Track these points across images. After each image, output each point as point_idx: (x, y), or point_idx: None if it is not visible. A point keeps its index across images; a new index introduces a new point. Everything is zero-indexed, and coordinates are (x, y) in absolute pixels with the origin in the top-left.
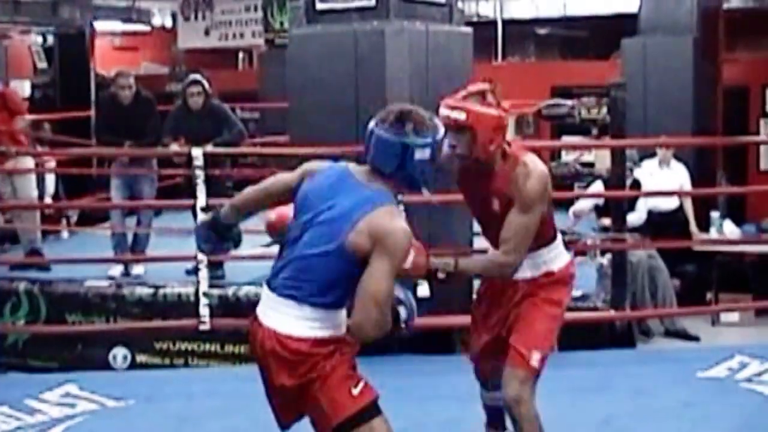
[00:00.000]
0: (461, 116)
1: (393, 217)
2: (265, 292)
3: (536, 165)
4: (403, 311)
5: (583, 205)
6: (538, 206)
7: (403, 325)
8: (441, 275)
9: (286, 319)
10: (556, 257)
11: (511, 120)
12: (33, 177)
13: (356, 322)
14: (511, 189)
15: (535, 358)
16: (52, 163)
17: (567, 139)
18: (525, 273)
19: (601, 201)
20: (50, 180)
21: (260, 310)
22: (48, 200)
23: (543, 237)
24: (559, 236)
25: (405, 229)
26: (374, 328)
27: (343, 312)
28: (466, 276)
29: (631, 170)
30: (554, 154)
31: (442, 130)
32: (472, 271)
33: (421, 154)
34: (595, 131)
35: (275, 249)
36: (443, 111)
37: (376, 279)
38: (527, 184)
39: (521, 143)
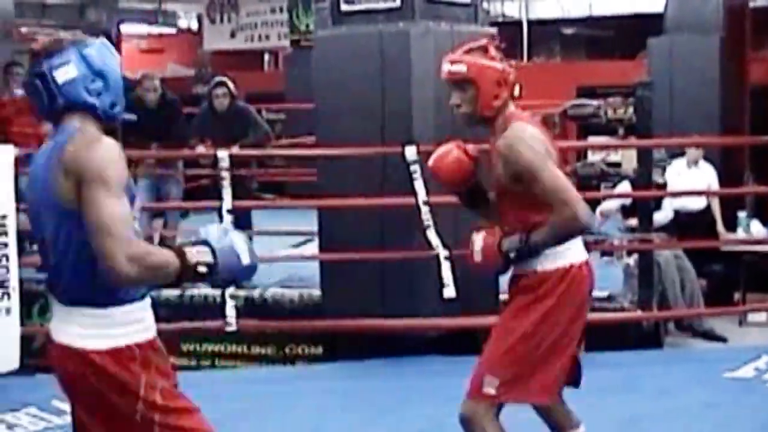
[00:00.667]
0: (462, 69)
1: (86, 142)
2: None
3: (520, 131)
4: (203, 254)
5: (610, 205)
6: (542, 165)
7: (204, 269)
8: (512, 254)
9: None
10: (550, 254)
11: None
12: None
13: (103, 266)
14: (500, 161)
15: (488, 385)
16: None
17: (593, 140)
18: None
19: (627, 201)
20: None
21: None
22: None
23: (528, 222)
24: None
25: (105, 145)
26: (126, 259)
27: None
28: (540, 248)
29: (664, 169)
30: (580, 155)
31: (93, 41)
32: (544, 240)
33: (64, 75)
34: (621, 131)
35: (303, 249)
36: (444, 67)
37: (95, 209)
38: (511, 154)
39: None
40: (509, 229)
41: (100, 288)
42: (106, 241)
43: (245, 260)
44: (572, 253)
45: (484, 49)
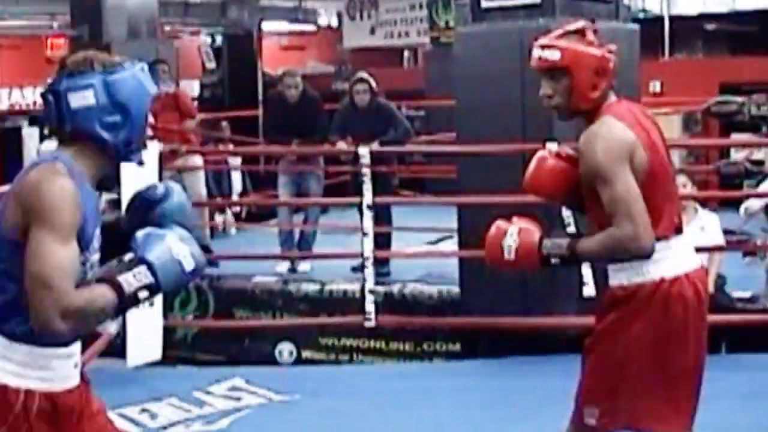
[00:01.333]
0: (555, 56)
1: (46, 173)
2: None
3: (601, 127)
4: (140, 276)
5: (754, 204)
6: (614, 170)
7: (145, 294)
8: (555, 260)
9: None
10: (637, 265)
11: (678, 118)
12: (202, 174)
13: (33, 317)
14: (581, 157)
15: (588, 416)
16: (237, 161)
17: (736, 137)
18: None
19: None
20: (237, 177)
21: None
22: (235, 197)
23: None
24: (670, 242)
25: (61, 185)
26: (59, 316)
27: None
28: (587, 260)
29: None
30: (723, 152)
31: (127, 67)
32: (592, 253)
33: (79, 100)
34: (765, 129)
35: (440, 246)
36: (534, 52)
37: (36, 254)
38: (586, 151)
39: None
40: (592, 231)
41: (9, 320)
42: (41, 293)
43: (188, 266)
44: (666, 264)
45: (581, 34)
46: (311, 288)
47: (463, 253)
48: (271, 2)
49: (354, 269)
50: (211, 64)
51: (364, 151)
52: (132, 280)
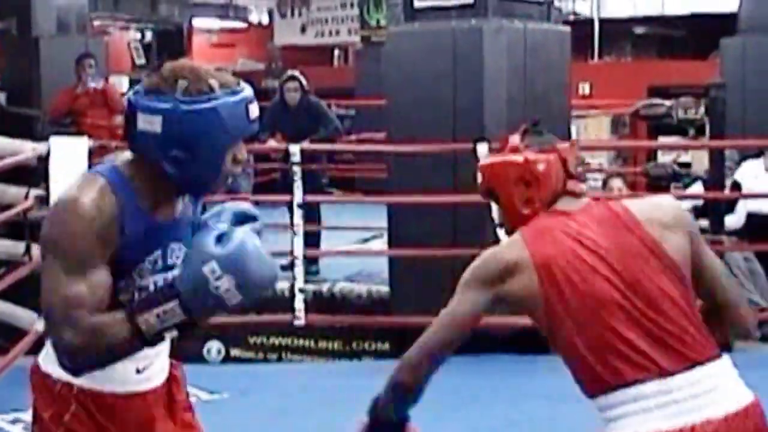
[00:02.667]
0: (479, 179)
1: (75, 188)
2: None
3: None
4: (167, 315)
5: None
6: (461, 289)
7: (173, 333)
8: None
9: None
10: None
11: (607, 120)
12: None
13: (53, 342)
14: None
15: None
16: None
17: (664, 140)
18: None
19: (699, 202)
20: None
21: None
22: None
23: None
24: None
25: (81, 210)
26: (68, 354)
27: None
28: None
29: (731, 171)
30: (651, 155)
31: (219, 96)
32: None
33: (146, 124)
34: (692, 132)
35: (371, 245)
36: None
37: (44, 287)
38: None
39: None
40: None
41: None
42: (48, 321)
43: (230, 301)
44: (633, 419)
45: (506, 141)
46: None
47: (392, 252)
48: None
49: (283, 268)
50: (141, 60)
51: (294, 149)
52: (155, 320)
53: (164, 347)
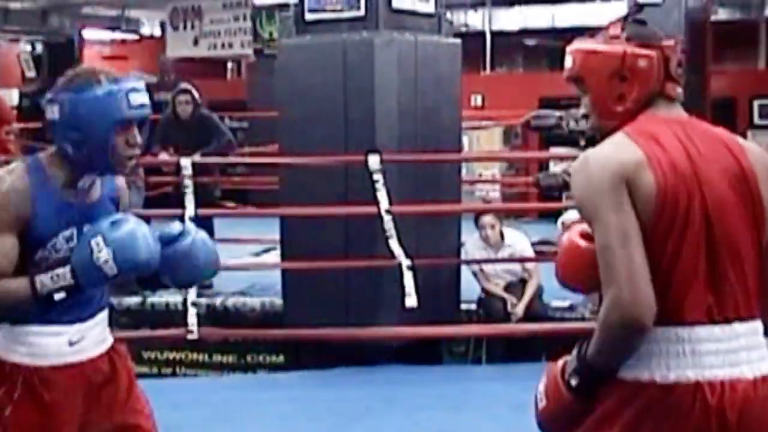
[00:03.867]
0: (568, 63)
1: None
2: None
3: (594, 151)
4: (59, 278)
5: (572, 215)
6: (597, 204)
7: (62, 295)
8: (575, 381)
9: None
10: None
11: (499, 131)
12: None
13: None
14: None
15: None
16: None
17: (555, 150)
18: None
19: None
20: None
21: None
22: None
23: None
24: (691, 331)
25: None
26: None
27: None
28: (598, 366)
29: None
30: (542, 165)
31: (103, 86)
32: (597, 351)
33: (50, 113)
34: (582, 142)
35: (264, 258)
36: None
37: None
38: (571, 185)
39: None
40: None
41: None
42: None
43: (109, 272)
44: (671, 361)
45: (607, 28)
46: (132, 301)
47: (285, 265)
48: (93, 10)
49: None
50: (31, 73)
51: (186, 162)
52: (48, 281)
53: (99, 322)
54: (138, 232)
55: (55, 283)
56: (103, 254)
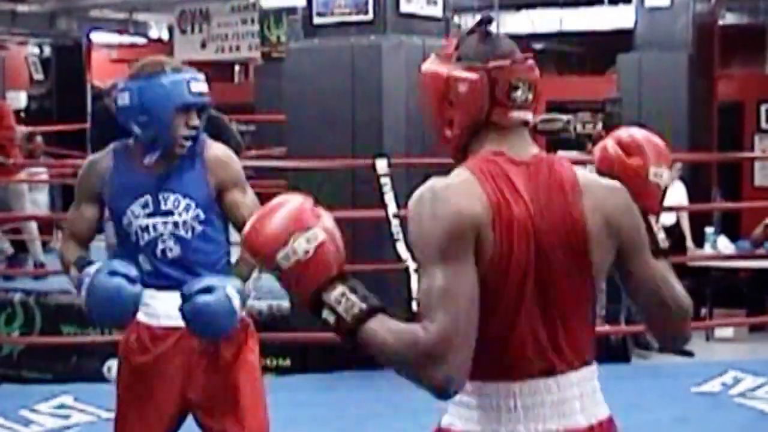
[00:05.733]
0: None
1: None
2: None
3: (433, 188)
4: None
5: None
6: (430, 260)
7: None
8: (327, 315)
9: None
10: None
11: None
12: (26, 189)
13: None
14: None
15: None
16: (44, 176)
17: (562, 154)
18: None
19: None
20: (43, 193)
21: None
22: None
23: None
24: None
25: (89, 160)
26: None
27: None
28: (369, 343)
29: None
30: None
31: (168, 74)
32: (378, 339)
33: (121, 100)
34: (590, 146)
35: None
36: None
37: None
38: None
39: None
40: None
41: None
42: None
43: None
44: (489, 415)
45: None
46: None
47: None
48: (101, 13)
49: None
50: (39, 76)
51: None
52: (73, 276)
53: None
54: (99, 294)
55: (70, 281)
56: (83, 293)
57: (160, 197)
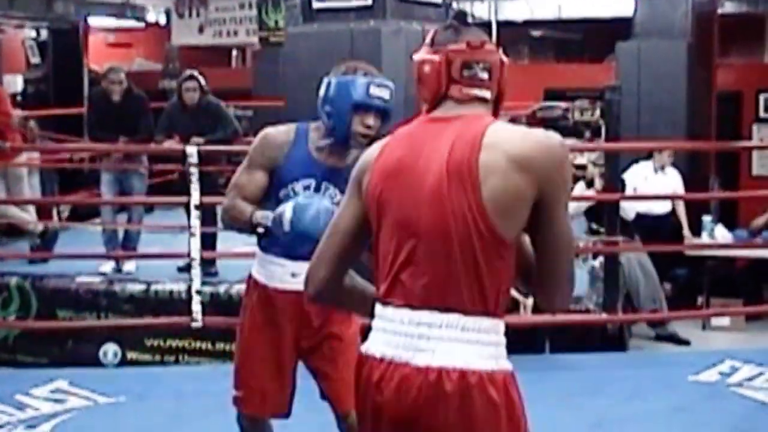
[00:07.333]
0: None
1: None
2: None
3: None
4: (265, 219)
5: (576, 206)
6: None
7: (261, 230)
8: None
9: None
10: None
11: (504, 121)
12: (26, 173)
13: None
14: None
15: None
16: (37, 161)
17: None
18: None
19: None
20: (35, 177)
21: None
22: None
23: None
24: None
25: (267, 132)
26: (224, 206)
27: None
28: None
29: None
30: None
31: (356, 77)
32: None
33: (320, 91)
34: (587, 134)
35: None
36: None
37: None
38: None
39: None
40: None
41: None
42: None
43: (285, 227)
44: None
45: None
46: (137, 288)
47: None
48: None
49: (180, 269)
50: (36, 59)
51: (191, 150)
52: (260, 216)
53: None
54: (312, 209)
55: (261, 220)
56: (287, 214)
57: (323, 185)
